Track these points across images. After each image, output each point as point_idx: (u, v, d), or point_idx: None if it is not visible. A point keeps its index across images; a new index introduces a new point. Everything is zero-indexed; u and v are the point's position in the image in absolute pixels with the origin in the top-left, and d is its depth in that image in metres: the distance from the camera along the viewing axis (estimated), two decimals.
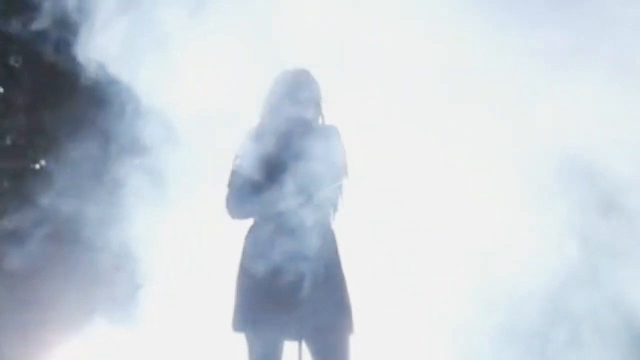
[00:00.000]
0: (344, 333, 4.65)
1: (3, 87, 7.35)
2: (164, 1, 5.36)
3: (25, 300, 6.51)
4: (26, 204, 6.11)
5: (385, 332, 5.69)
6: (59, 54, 5.89)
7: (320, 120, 4.79)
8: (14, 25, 5.88)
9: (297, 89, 4.74)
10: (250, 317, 4.63)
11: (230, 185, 4.71)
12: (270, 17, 5.35)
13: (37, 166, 7.33)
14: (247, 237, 4.73)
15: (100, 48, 5.31)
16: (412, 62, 5.39)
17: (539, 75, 5.33)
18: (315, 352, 4.66)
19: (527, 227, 5.60)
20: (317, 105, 4.77)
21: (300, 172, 4.57)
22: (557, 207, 5.56)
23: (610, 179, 5.41)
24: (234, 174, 4.71)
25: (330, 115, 4.79)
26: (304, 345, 4.67)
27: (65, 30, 5.54)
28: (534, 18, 5.33)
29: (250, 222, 4.74)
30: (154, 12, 5.33)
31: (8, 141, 7.41)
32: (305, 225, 4.59)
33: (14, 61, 7.50)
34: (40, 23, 5.65)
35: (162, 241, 5.76)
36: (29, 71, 7.43)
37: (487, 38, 5.27)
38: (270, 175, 4.60)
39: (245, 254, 4.71)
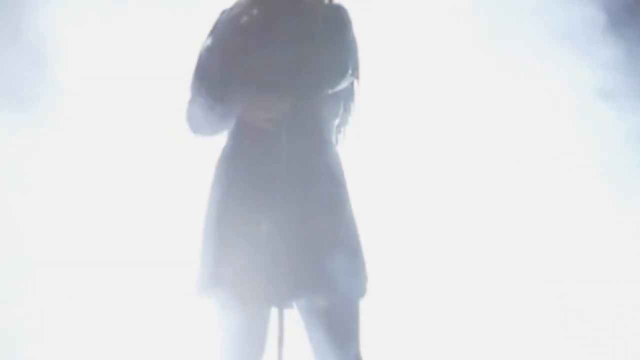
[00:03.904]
0: (351, 295, 3.33)
1: None
2: None
3: None
4: None
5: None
6: None
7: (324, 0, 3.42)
8: None
9: None
10: (225, 273, 3.26)
11: (193, 86, 3.37)
12: None
13: None
14: (218, 165, 3.40)
15: None
16: None
17: None
18: (310, 317, 3.33)
19: None
20: None
21: (290, 65, 3.24)
22: None
23: None
24: (198, 70, 3.37)
25: None
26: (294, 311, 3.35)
27: None
28: None
29: (222, 142, 3.40)
30: None
31: None
32: (298, 142, 3.27)
33: None
34: None
35: None
36: None
37: None
38: (249, 71, 3.28)
39: (215, 187, 3.38)
